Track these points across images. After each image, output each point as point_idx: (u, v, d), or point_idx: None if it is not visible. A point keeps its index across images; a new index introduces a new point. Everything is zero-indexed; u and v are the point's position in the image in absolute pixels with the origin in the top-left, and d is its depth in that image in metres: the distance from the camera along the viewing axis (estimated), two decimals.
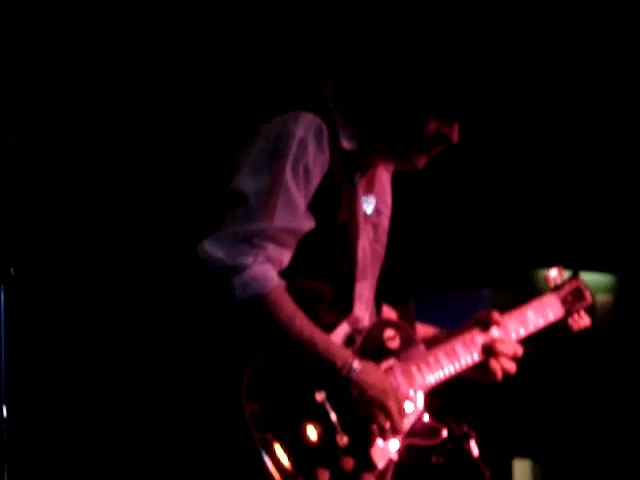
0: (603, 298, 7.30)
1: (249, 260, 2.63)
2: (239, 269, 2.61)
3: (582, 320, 3.53)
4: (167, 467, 2.83)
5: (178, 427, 2.82)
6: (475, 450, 2.98)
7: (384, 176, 3.16)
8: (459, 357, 3.07)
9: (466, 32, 2.98)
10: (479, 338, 3.14)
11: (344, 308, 2.90)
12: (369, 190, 3.06)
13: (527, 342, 3.30)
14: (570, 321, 3.50)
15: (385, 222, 3.14)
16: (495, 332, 3.18)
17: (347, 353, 2.72)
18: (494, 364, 3.12)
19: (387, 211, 3.16)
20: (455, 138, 2.98)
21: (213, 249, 2.63)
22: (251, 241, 2.65)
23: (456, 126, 2.98)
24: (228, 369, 2.68)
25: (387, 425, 2.73)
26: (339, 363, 2.67)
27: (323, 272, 2.85)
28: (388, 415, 2.72)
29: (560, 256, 6.84)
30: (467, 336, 3.13)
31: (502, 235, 6.94)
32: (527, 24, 5.64)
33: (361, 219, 2.98)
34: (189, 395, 2.83)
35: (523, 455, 6.81)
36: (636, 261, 7.08)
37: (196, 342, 2.86)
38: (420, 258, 3.38)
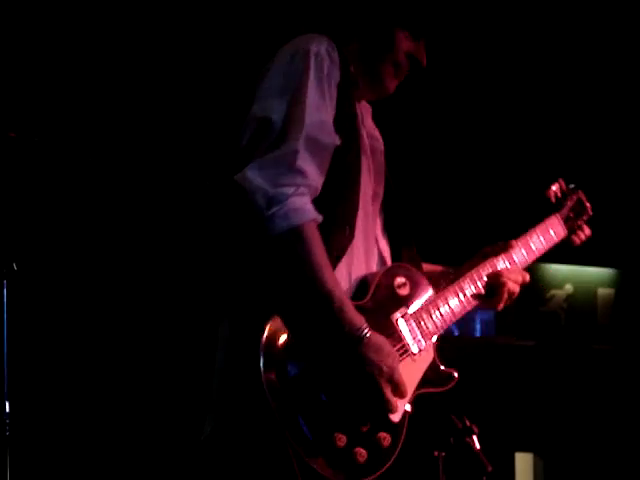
0: (604, 292, 7.32)
1: (290, 190, 2.57)
2: (281, 198, 2.55)
3: (583, 233, 3.54)
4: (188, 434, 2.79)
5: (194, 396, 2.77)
6: (477, 444, 2.99)
7: (367, 115, 3.12)
8: (467, 296, 3.03)
9: None
10: (485, 272, 3.13)
11: (347, 238, 2.80)
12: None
13: (529, 337, 3.31)
14: (573, 237, 3.52)
15: (380, 158, 3.09)
16: (501, 263, 3.18)
17: (358, 322, 2.62)
18: (500, 293, 3.11)
19: (380, 146, 3.11)
20: (424, 60, 3.02)
21: (255, 176, 2.56)
22: (293, 167, 2.59)
23: (423, 49, 3.02)
24: (247, 329, 2.60)
25: (381, 404, 2.65)
26: (347, 329, 2.59)
27: (332, 195, 2.76)
28: (380, 395, 2.64)
29: (562, 251, 6.85)
30: (474, 273, 3.11)
31: (502, 230, 6.95)
32: None
33: (363, 141, 2.95)
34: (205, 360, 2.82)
35: (525, 449, 6.83)
36: (637, 255, 7.10)
37: (214, 303, 2.82)
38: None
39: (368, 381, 2.63)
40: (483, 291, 3.10)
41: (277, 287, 2.63)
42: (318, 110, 2.70)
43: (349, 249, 2.81)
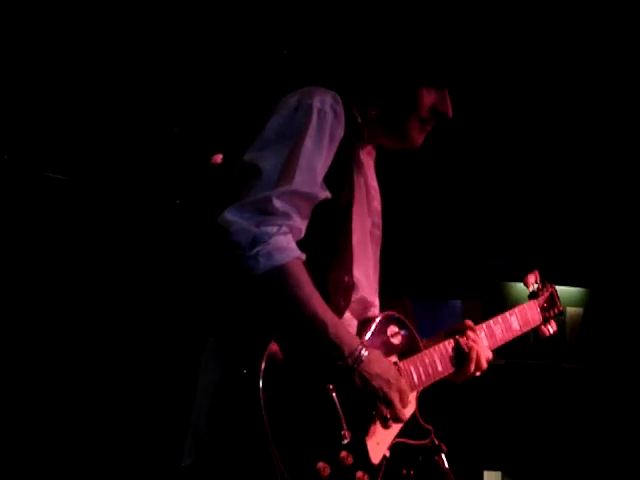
0: (573, 311, 7.36)
1: (273, 229, 2.59)
2: (264, 238, 2.57)
3: (552, 327, 3.62)
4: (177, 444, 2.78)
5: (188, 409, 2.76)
6: (446, 463, 3.00)
7: (369, 161, 3.13)
8: (450, 359, 3.10)
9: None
10: (465, 342, 3.17)
11: (347, 287, 2.85)
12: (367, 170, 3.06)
13: (498, 356, 3.33)
14: (542, 328, 3.58)
15: (377, 204, 3.13)
16: (482, 336, 3.23)
17: (356, 341, 2.68)
18: (471, 366, 3.15)
19: (377, 194, 3.14)
20: (449, 112, 3.02)
21: (237, 218, 2.58)
22: (275, 208, 2.62)
23: (448, 99, 3.01)
24: (247, 352, 2.59)
25: (388, 415, 2.72)
26: (346, 351, 2.63)
27: (325, 248, 2.80)
28: (391, 406, 2.71)
29: (530, 270, 6.89)
30: (459, 339, 3.15)
31: (473, 248, 6.98)
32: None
33: (359, 192, 2.96)
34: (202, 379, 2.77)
35: (494, 467, 6.84)
36: (606, 275, 7.14)
37: (213, 323, 2.78)
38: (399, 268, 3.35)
39: (379, 393, 2.69)
40: (462, 360, 3.14)
41: (271, 321, 2.63)
42: (308, 169, 2.70)
43: (354, 299, 2.87)
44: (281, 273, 2.58)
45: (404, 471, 2.96)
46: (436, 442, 3.01)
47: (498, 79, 5.87)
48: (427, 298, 6.74)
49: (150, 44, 5.25)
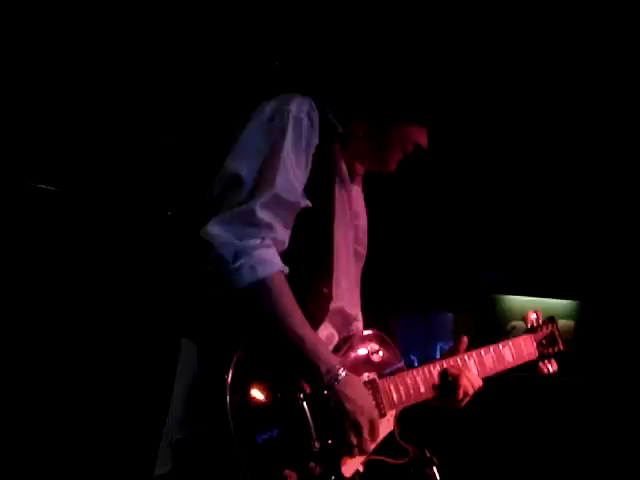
0: (565, 323, 7.36)
1: (256, 242, 2.61)
2: (247, 251, 2.57)
3: (551, 366, 3.57)
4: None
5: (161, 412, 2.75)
6: (437, 475, 2.99)
7: (357, 178, 3.15)
8: (434, 381, 3.09)
9: (442, 41, 3.04)
10: (452, 366, 3.15)
11: (325, 298, 2.86)
12: (351, 182, 3.06)
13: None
14: (540, 365, 3.55)
15: (364, 222, 3.15)
16: (471, 363, 3.21)
17: (334, 361, 2.67)
18: (459, 393, 3.12)
19: (363, 212, 3.16)
20: (425, 143, 3.04)
21: (220, 231, 2.59)
22: (258, 219, 2.63)
23: (425, 132, 3.04)
24: (216, 358, 2.59)
25: (355, 442, 2.68)
26: (323, 369, 2.63)
27: (304, 258, 2.80)
28: (359, 434, 2.68)
29: (522, 283, 6.91)
30: (443, 363, 3.14)
31: (464, 261, 6.98)
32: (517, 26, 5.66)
33: (341, 205, 2.97)
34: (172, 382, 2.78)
35: None
36: (597, 287, 7.14)
37: (186, 328, 2.79)
38: (388, 281, 3.36)
39: (349, 417, 2.66)
40: (446, 384, 3.13)
41: (251, 333, 2.63)
42: (288, 174, 2.71)
43: (331, 310, 2.86)
44: (263, 286, 2.59)
45: None
46: (427, 455, 3.00)
47: (489, 91, 5.88)
48: (418, 311, 6.74)
49: (140, 57, 5.25)
